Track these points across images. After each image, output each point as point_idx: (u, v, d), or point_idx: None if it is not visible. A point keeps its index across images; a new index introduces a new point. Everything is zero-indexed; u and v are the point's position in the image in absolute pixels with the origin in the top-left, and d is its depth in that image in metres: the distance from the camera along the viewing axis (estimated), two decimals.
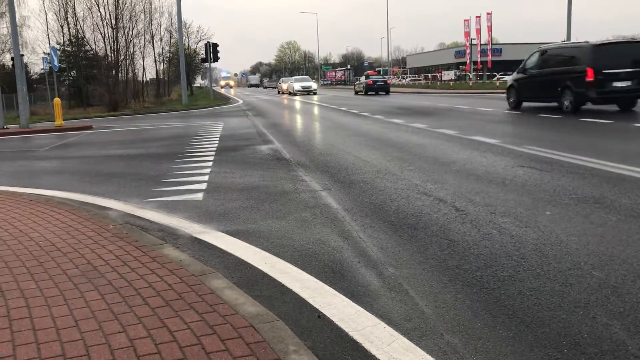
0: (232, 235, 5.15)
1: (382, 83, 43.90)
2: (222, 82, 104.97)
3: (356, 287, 3.76)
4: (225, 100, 44.41)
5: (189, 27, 64.43)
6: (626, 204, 5.52)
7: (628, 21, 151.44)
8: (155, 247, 4.63)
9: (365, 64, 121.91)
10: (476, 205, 5.78)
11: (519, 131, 12.53)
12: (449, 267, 4.06)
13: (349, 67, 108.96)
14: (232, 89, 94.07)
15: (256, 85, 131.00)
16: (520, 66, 19.12)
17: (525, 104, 18.91)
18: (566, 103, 16.14)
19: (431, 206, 5.83)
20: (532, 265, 3.98)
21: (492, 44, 65.75)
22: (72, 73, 42.89)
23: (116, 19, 38.77)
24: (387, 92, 43.20)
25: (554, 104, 16.93)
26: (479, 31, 63.08)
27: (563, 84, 16.16)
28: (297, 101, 36.16)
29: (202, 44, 57.73)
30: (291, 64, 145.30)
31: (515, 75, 19.67)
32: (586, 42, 16.23)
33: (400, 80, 79.11)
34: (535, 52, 18.49)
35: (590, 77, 15.13)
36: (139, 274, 3.96)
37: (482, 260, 4.14)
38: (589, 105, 16.13)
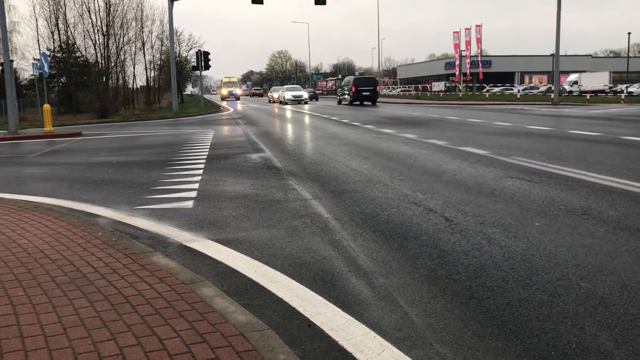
0: (222, 243, 5.14)
1: (370, 91, 42.40)
2: (224, 90, 75.33)
3: (346, 297, 3.77)
4: (216, 108, 44.36)
5: (180, 35, 64.70)
6: (614, 216, 5.57)
7: (615, 33, 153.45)
8: (145, 254, 4.61)
9: (356, 74, 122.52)
10: (466, 215, 5.81)
11: (508, 142, 12.62)
12: (439, 277, 4.07)
13: (339, 77, 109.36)
14: (238, 101, 65.71)
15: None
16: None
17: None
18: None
19: (421, 216, 5.85)
20: (521, 276, 4.01)
21: (481, 55, 66.31)
22: (62, 79, 42.78)
23: (107, 25, 38.86)
24: (374, 103, 42.37)
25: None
26: (468, 43, 63.60)
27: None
28: (288, 110, 36.21)
29: (193, 51, 57.94)
30: (282, 73, 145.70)
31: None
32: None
33: (390, 91, 79.47)
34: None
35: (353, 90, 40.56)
36: (128, 281, 3.94)
37: (472, 271, 4.17)
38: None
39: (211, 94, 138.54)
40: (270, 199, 7.13)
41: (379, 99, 47.38)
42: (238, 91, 76.44)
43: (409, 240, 5.04)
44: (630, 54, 76.64)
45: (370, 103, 41.87)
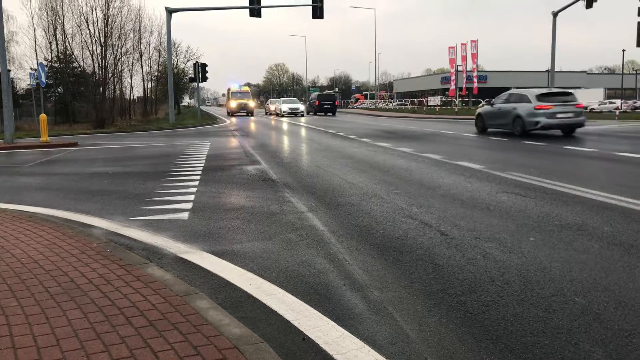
0: (217, 255, 5.13)
1: (329, 105, 52.37)
2: (233, 103, 54.04)
3: (341, 310, 3.76)
4: (213, 120, 44.41)
5: (178, 47, 64.90)
6: (608, 232, 5.59)
7: (610, 50, 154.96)
8: (140, 266, 4.60)
9: (353, 87, 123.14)
10: (461, 229, 5.82)
11: (503, 157, 12.67)
12: (434, 291, 4.07)
13: (336, 90, 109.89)
14: (250, 114, 53.08)
15: (222, 105, 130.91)
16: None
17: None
18: None
19: (417, 230, 5.86)
20: (515, 291, 4.01)
21: (477, 71, 66.68)
22: (59, 89, 42.77)
23: (105, 37, 38.91)
24: (334, 114, 51.31)
25: None
26: (464, 58, 63.97)
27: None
28: (285, 122, 36.27)
29: (190, 63, 58.07)
30: (279, 86, 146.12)
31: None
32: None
33: (387, 105, 79.78)
34: None
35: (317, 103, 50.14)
36: (123, 293, 3.92)
37: (467, 285, 4.17)
38: None
39: (206, 105, 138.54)
40: (266, 211, 7.13)
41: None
42: (251, 104, 55.44)
43: (405, 254, 5.04)
44: (625, 71, 77.20)
45: (331, 114, 51.11)
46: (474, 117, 23.29)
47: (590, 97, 55.81)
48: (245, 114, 53.06)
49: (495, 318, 3.56)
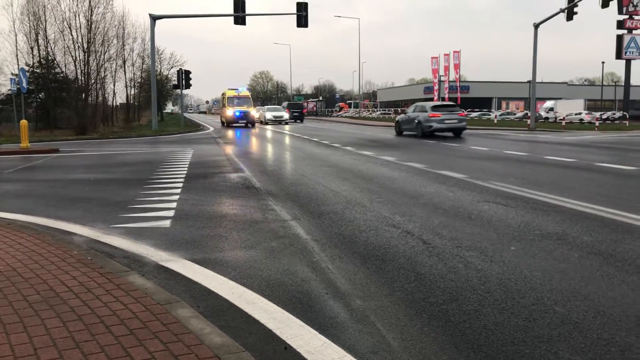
0: (199, 263, 5.10)
1: (298, 112, 58.13)
2: (230, 111, 42.47)
3: (324, 319, 3.76)
4: (196, 127, 44.22)
5: (161, 54, 64.60)
6: (588, 241, 5.66)
7: (590, 61, 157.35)
8: (120, 274, 4.56)
9: (337, 96, 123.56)
10: (443, 238, 5.85)
11: (484, 166, 12.78)
12: (416, 300, 4.09)
13: (320, 98, 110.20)
14: (251, 125, 42.01)
15: (204, 112, 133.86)
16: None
17: None
18: None
19: (399, 238, 5.88)
20: (496, 300, 4.04)
21: (460, 81, 67.29)
22: (40, 95, 42.25)
23: (88, 42, 38.51)
24: (302, 121, 55.81)
25: None
26: (447, 68, 64.55)
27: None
28: (269, 130, 36.25)
29: (174, 70, 57.83)
30: (264, 94, 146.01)
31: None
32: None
33: (370, 114, 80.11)
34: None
35: (287, 111, 53.00)
36: (103, 301, 3.88)
37: (448, 294, 4.19)
38: None
39: (188, 112, 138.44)
40: (248, 219, 7.10)
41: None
42: (253, 112, 43.74)
43: (387, 262, 5.05)
44: (605, 82, 78.41)
45: (299, 121, 55.84)
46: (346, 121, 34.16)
47: (571, 108, 56.60)
48: (244, 124, 41.78)
49: (476, 327, 3.58)
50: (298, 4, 33.59)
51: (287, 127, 42.21)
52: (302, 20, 33.70)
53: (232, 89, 45.38)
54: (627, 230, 6.17)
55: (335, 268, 4.91)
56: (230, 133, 33.58)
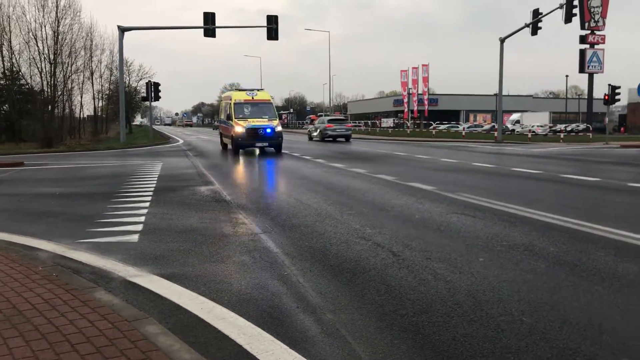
0: (167, 279, 5.03)
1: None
2: (239, 128, 23.33)
3: (294, 333, 3.74)
4: (166, 139, 43.87)
5: (130, 65, 63.88)
6: (554, 252, 5.77)
7: (554, 75, 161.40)
8: (87, 290, 4.47)
9: (308, 108, 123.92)
10: (413, 250, 5.89)
11: (453, 178, 12.95)
12: (386, 313, 4.10)
13: (291, 110, 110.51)
14: (277, 147, 23.90)
15: (169, 124, 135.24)
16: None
17: None
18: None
19: (369, 251, 5.90)
20: (465, 311, 4.08)
21: (428, 94, 68.21)
22: (4, 107, 41.35)
23: (55, 54, 37.92)
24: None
25: None
26: (415, 81, 65.39)
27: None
28: None
29: (143, 82, 57.22)
30: None
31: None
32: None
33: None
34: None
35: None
36: (69, 318, 3.80)
37: (418, 306, 4.22)
38: None
39: (155, 124, 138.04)
40: (218, 233, 7.05)
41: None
42: (279, 128, 24.68)
43: (358, 275, 5.06)
44: (568, 95, 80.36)
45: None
46: (306, 133, 46.36)
47: (537, 120, 57.87)
48: (265, 146, 24.50)
49: (446, 338, 3.61)
50: (268, 16, 33.65)
51: None
52: (272, 32, 33.75)
53: (240, 90, 28.00)
54: (591, 240, 6.31)
55: (306, 281, 4.90)
56: (200, 145, 33.22)
